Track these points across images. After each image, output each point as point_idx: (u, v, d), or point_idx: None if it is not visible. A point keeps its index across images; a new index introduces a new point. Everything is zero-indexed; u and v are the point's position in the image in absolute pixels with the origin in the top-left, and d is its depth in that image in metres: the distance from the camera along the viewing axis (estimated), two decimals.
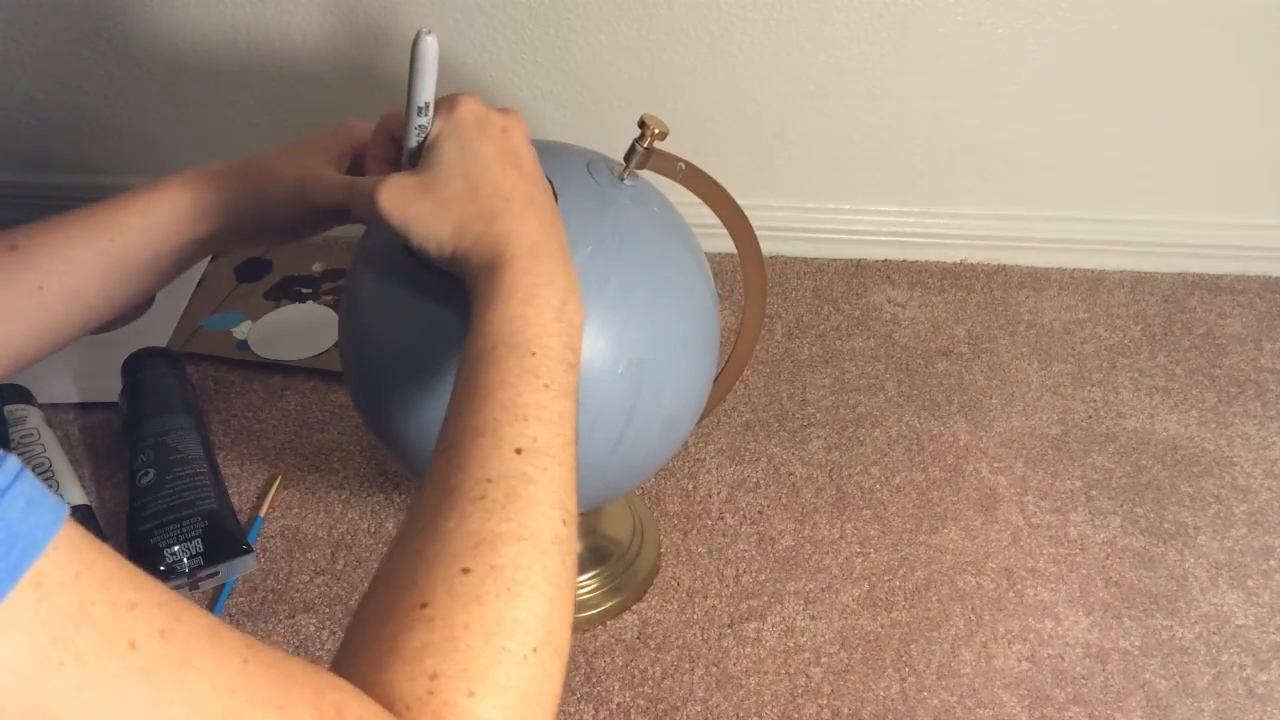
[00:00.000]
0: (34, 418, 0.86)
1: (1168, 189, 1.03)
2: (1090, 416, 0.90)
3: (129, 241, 0.57)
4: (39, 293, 0.56)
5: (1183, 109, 0.98)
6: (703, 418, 0.74)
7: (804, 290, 1.04)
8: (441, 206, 0.49)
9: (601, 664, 0.72)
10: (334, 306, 1.02)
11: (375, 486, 0.85)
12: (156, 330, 1.00)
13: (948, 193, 1.05)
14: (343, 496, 0.84)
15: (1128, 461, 0.86)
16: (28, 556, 0.29)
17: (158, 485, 0.79)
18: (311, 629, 0.75)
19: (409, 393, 0.59)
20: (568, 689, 0.71)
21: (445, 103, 0.52)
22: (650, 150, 0.62)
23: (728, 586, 0.77)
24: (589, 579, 0.75)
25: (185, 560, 0.76)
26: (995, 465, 0.86)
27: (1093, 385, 0.93)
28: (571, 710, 0.69)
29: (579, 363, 0.48)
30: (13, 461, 0.29)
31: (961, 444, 0.88)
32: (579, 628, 0.74)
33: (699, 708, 0.69)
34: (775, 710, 0.69)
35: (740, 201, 0.68)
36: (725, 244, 0.69)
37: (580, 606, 0.74)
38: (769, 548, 0.79)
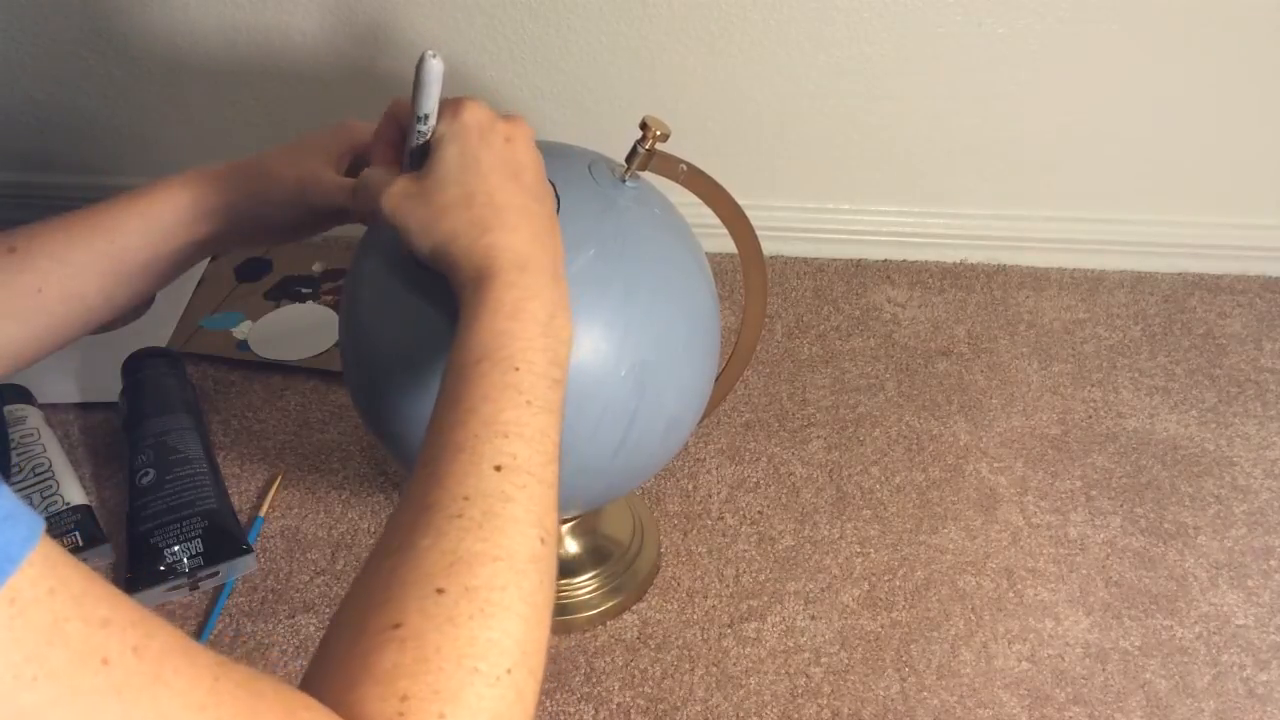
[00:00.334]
0: (34, 418, 0.86)
1: (1168, 189, 1.03)
2: (1090, 416, 0.90)
3: (128, 243, 0.57)
4: (38, 295, 0.56)
5: (1183, 109, 0.98)
6: (703, 418, 0.74)
7: (804, 290, 1.04)
8: (437, 213, 0.49)
9: (601, 664, 0.72)
10: (334, 306, 1.02)
11: (375, 486, 0.85)
12: (156, 330, 1.00)
13: (948, 193, 1.05)
14: (343, 496, 0.84)
15: (1128, 461, 0.86)
16: (2, 572, 0.29)
17: (158, 485, 0.79)
18: (311, 629, 0.75)
19: (409, 393, 0.59)
20: (568, 689, 0.71)
21: (450, 106, 0.51)
22: (652, 152, 0.62)
23: (728, 586, 0.77)
24: (589, 579, 0.75)
25: (185, 560, 0.76)
26: (995, 465, 0.86)
27: (1093, 385, 0.93)
28: (571, 710, 0.69)
29: (566, 378, 0.47)
30: None
31: (961, 444, 0.88)
32: (579, 628, 0.74)
33: (699, 708, 0.69)
34: (775, 710, 0.69)
35: (740, 201, 0.68)
36: (726, 244, 0.70)
37: (580, 606, 0.74)
38: (769, 548, 0.79)
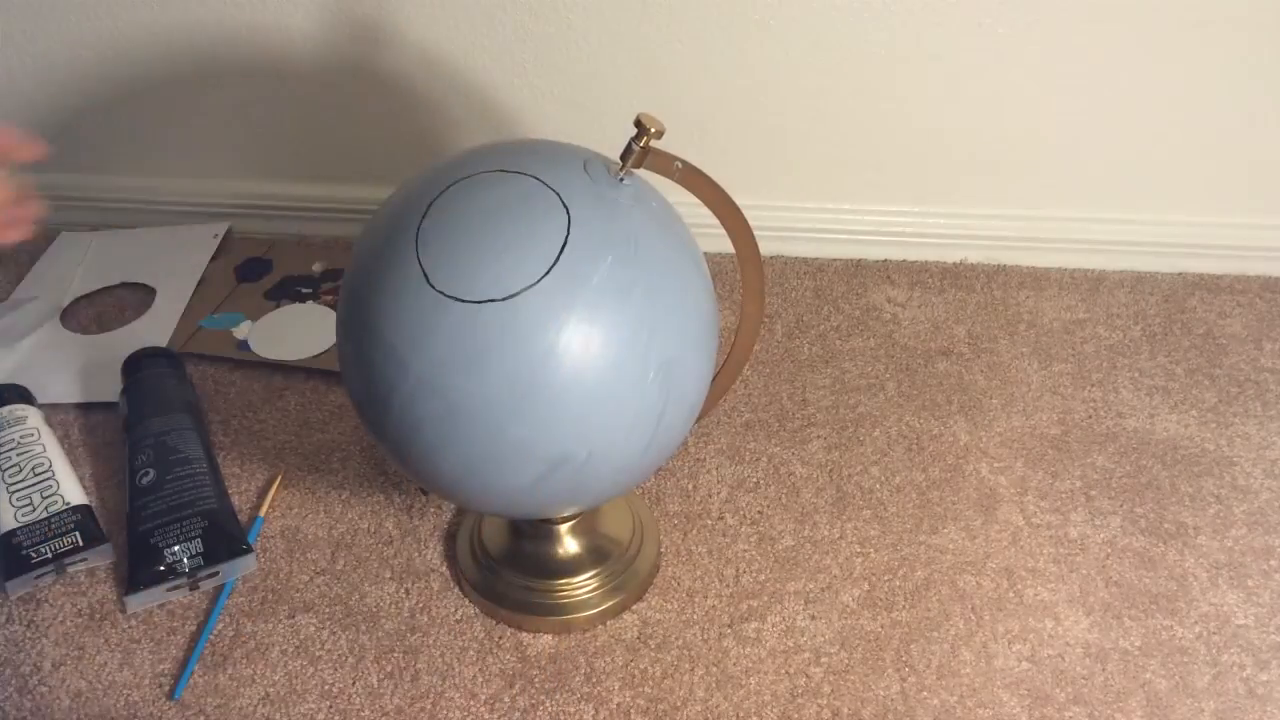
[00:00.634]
0: (34, 418, 0.86)
1: (1168, 189, 1.03)
2: (1090, 416, 0.90)
3: None
4: None
5: (1183, 109, 0.98)
6: (702, 417, 0.74)
7: (804, 290, 1.04)
8: None
9: (601, 664, 0.72)
10: (334, 306, 1.02)
11: (375, 486, 0.85)
12: (156, 330, 1.00)
13: (948, 193, 1.05)
14: (343, 496, 0.84)
15: (1128, 461, 0.86)
16: None
17: (158, 485, 0.79)
18: (311, 629, 0.75)
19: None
20: (568, 689, 0.71)
21: None
22: (647, 149, 0.62)
23: (728, 586, 0.77)
24: (589, 579, 0.75)
25: (185, 560, 0.76)
26: (995, 465, 0.86)
27: (1093, 385, 0.93)
28: (571, 710, 0.69)
29: None
30: None
31: (961, 444, 0.88)
32: (579, 628, 0.74)
33: (699, 708, 0.69)
34: (775, 710, 0.69)
35: (740, 201, 0.68)
36: (724, 244, 0.70)
37: (580, 606, 0.74)
38: (769, 548, 0.79)
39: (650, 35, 0.97)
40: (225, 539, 0.77)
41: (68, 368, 0.95)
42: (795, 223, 1.07)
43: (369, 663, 0.73)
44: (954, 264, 1.07)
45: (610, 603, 0.74)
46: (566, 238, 0.58)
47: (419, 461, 0.62)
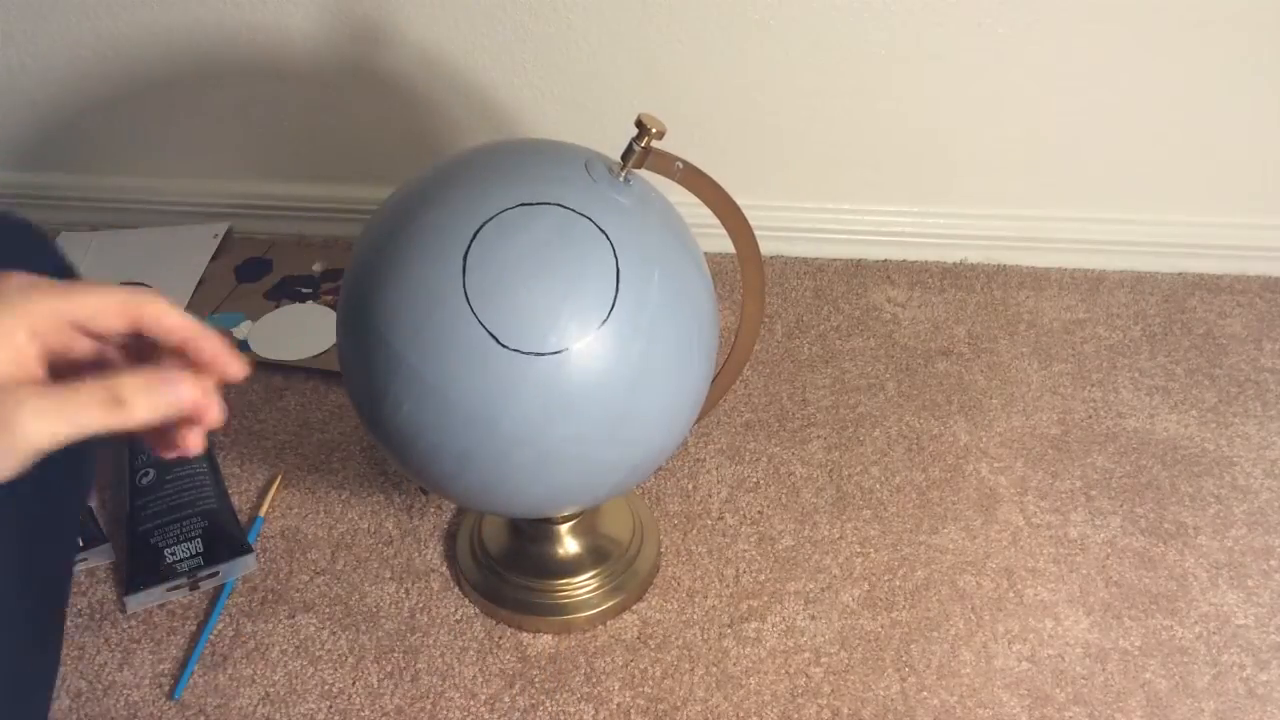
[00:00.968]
0: None
1: (1168, 189, 1.03)
2: (1090, 416, 0.90)
3: None
4: None
5: (1183, 109, 0.98)
6: (702, 417, 0.74)
7: (804, 290, 1.04)
8: None
9: (601, 664, 0.72)
10: (334, 306, 1.02)
11: (375, 486, 0.85)
12: None
13: (948, 193, 1.05)
14: (343, 496, 0.84)
15: (1128, 461, 0.86)
16: None
17: (158, 485, 0.79)
18: (311, 629, 0.75)
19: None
20: (568, 689, 0.71)
21: None
22: (648, 149, 0.62)
23: (728, 586, 0.77)
24: (589, 578, 0.75)
25: (185, 560, 0.76)
26: (995, 465, 0.86)
27: (1093, 385, 0.93)
28: (571, 710, 0.69)
29: None
30: None
31: (961, 444, 0.88)
32: (579, 628, 0.74)
33: (699, 708, 0.69)
34: (775, 710, 0.69)
35: (740, 201, 0.68)
36: (724, 244, 0.69)
37: (580, 606, 0.74)
38: (769, 548, 0.79)
39: (650, 35, 0.97)
40: (225, 539, 0.77)
41: None
42: (795, 223, 1.07)
43: (369, 663, 0.73)
44: (954, 264, 1.07)
45: (610, 603, 0.74)
46: (617, 268, 0.59)
47: (419, 461, 0.62)
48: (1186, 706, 0.69)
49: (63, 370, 0.38)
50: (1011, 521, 0.81)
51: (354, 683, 0.72)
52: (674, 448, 0.66)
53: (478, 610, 0.76)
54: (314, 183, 1.11)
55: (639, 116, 0.61)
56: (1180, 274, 1.06)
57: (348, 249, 1.10)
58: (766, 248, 0.70)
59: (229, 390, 0.95)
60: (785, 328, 1.00)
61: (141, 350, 0.41)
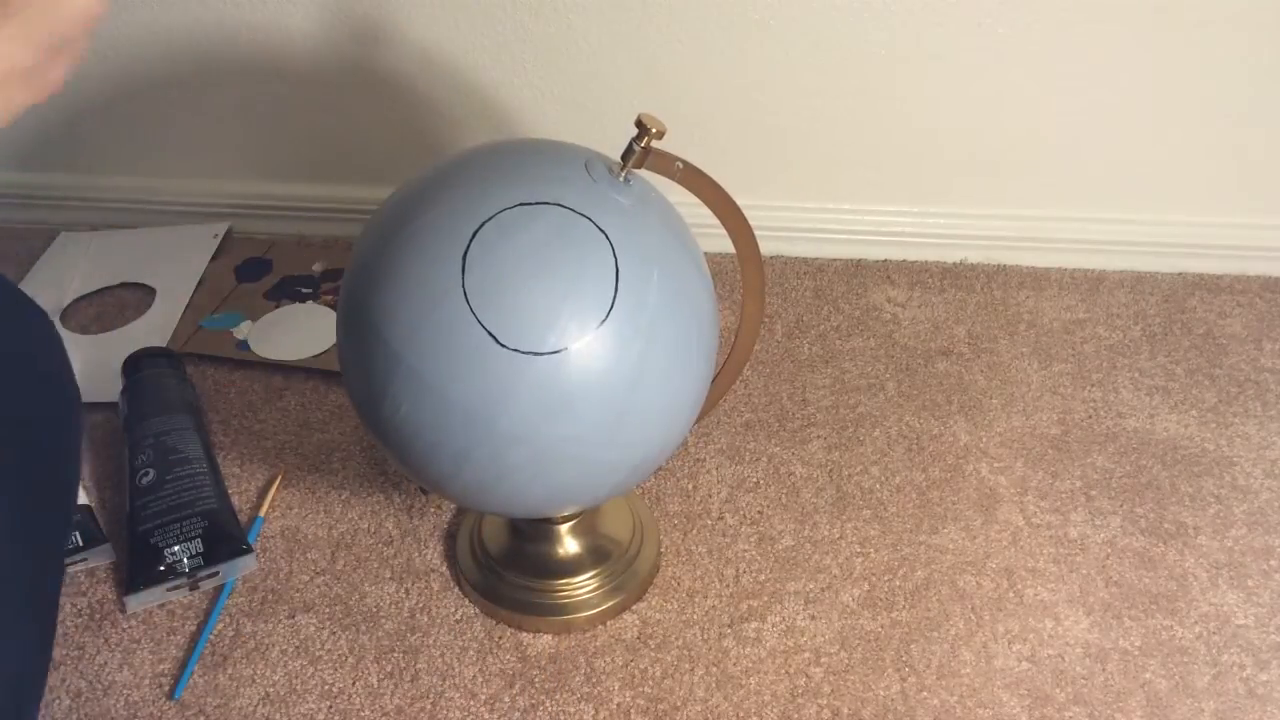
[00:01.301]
0: None
1: (1168, 189, 1.03)
2: (1090, 416, 0.90)
3: None
4: None
5: (1183, 109, 0.98)
6: (702, 417, 0.74)
7: (804, 290, 1.04)
8: None
9: (601, 664, 0.72)
10: (334, 306, 1.02)
11: (375, 486, 0.85)
12: (156, 330, 1.00)
13: (948, 193, 1.05)
14: (343, 496, 0.84)
15: (1128, 461, 0.86)
16: None
17: (158, 485, 0.79)
18: (311, 629, 0.75)
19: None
20: (568, 689, 0.71)
21: None
22: (648, 149, 0.62)
23: (728, 586, 0.77)
24: (589, 578, 0.75)
25: (185, 560, 0.76)
26: (995, 465, 0.86)
27: (1093, 385, 0.93)
28: (571, 710, 0.69)
29: None
30: None
31: (961, 444, 0.88)
32: (579, 628, 0.74)
33: (699, 708, 0.69)
34: (775, 710, 0.69)
35: (740, 201, 0.68)
36: (724, 244, 0.70)
37: (580, 606, 0.74)
38: (769, 548, 0.79)
39: (650, 35, 0.97)
40: (225, 539, 0.78)
41: None
42: (795, 223, 1.07)
43: (369, 663, 0.73)
44: (954, 264, 1.07)
45: (610, 603, 0.74)
46: (617, 268, 0.59)
47: (418, 461, 0.62)
48: (1186, 706, 0.69)
49: None
50: (1011, 521, 0.81)
51: (354, 683, 0.72)
52: (674, 448, 0.66)
53: (478, 610, 0.76)
54: (314, 183, 1.12)
55: (639, 116, 0.61)
56: (1180, 274, 1.06)
57: (348, 249, 1.10)
58: (766, 248, 0.70)
59: (230, 390, 0.95)
60: (785, 328, 1.00)
61: None
